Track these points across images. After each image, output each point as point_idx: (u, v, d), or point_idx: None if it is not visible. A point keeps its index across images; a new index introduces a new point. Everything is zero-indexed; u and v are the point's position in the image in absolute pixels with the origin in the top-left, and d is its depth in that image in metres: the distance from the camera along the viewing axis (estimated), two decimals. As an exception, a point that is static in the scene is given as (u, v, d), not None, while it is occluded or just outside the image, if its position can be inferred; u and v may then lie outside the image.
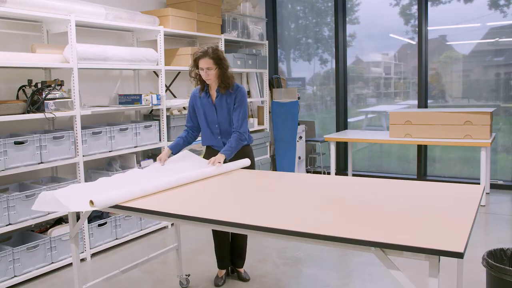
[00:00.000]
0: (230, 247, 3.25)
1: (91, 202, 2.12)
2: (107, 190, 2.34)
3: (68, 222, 3.06)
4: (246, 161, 3.09)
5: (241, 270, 3.28)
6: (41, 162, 3.35)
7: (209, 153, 3.15)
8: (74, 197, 2.28)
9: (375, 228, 1.75)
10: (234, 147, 3.01)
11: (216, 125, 3.10)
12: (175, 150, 3.14)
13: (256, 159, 5.81)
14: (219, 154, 2.95)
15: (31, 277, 3.26)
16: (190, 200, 2.29)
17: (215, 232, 3.20)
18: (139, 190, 2.32)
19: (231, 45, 5.73)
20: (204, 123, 3.14)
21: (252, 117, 6.27)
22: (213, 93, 3.10)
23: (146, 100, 4.17)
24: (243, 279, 3.23)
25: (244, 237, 3.25)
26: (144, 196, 2.33)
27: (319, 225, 1.81)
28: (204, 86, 3.11)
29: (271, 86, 6.36)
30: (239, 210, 2.08)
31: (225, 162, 2.98)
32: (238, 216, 1.96)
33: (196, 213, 2.02)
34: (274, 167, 6.24)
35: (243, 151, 3.12)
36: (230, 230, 2.12)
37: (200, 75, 3.03)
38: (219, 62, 2.98)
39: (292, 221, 1.88)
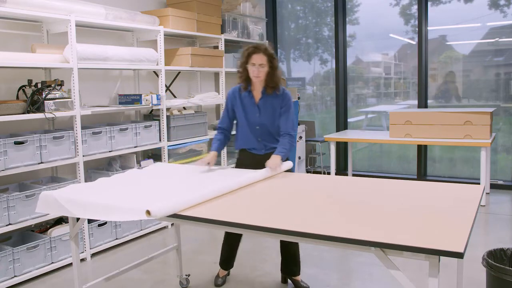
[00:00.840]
0: (283, 255, 3.07)
1: (148, 212, 1.96)
2: (139, 196, 2.26)
3: (68, 222, 3.06)
4: (289, 164, 2.95)
5: (298, 278, 3.07)
6: (41, 162, 3.35)
7: (245, 157, 3.02)
8: (79, 201, 2.24)
9: (375, 228, 1.75)
10: (288, 149, 2.88)
11: (257, 127, 2.94)
12: (220, 152, 3.03)
13: (256, 159, 5.82)
14: (274, 156, 2.80)
15: (31, 277, 3.26)
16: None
17: (227, 233, 3.11)
18: (196, 198, 2.17)
19: (231, 45, 5.73)
20: (244, 124, 2.97)
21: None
22: (257, 93, 2.94)
23: (146, 100, 4.17)
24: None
25: (295, 242, 2.99)
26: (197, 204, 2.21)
27: (319, 225, 1.81)
28: (247, 85, 2.94)
29: (271, 86, 6.35)
30: (239, 210, 2.08)
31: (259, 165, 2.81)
32: (238, 216, 1.96)
33: (196, 214, 2.02)
34: (274, 167, 6.23)
35: None
36: (230, 230, 2.12)
37: (247, 72, 2.87)
38: (272, 60, 2.84)
39: (292, 221, 1.88)
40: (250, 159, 2.97)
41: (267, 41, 6.20)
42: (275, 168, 2.75)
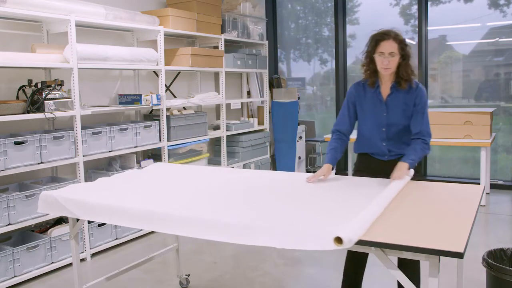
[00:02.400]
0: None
1: (338, 239, 1.59)
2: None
3: (68, 222, 3.06)
4: (411, 173, 2.47)
5: None
6: (41, 162, 3.35)
7: (365, 162, 2.64)
8: (90, 203, 2.20)
9: (375, 228, 1.75)
10: (419, 157, 2.45)
11: (384, 128, 2.52)
12: (335, 164, 2.59)
13: (256, 159, 5.83)
14: (401, 164, 2.38)
15: (31, 277, 3.26)
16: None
17: (351, 261, 2.63)
18: (375, 213, 1.86)
19: (231, 45, 5.73)
20: (368, 125, 2.56)
21: (252, 117, 6.27)
22: (385, 89, 2.51)
23: (146, 100, 4.17)
24: None
25: (416, 262, 2.54)
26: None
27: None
28: (375, 80, 2.51)
29: (271, 86, 6.36)
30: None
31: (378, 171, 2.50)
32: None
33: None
34: (274, 167, 6.24)
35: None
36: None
37: (374, 64, 2.45)
38: (404, 48, 2.41)
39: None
40: (371, 165, 2.57)
41: (267, 41, 6.20)
42: (401, 178, 2.35)
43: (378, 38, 2.40)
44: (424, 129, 2.47)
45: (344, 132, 2.64)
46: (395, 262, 1.69)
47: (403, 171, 2.36)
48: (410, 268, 2.48)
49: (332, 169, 2.56)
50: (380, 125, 2.53)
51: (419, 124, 2.48)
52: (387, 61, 2.38)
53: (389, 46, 2.37)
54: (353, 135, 2.68)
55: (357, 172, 2.67)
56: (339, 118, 2.67)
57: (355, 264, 2.64)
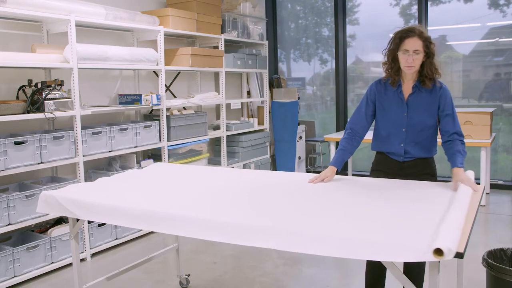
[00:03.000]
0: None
1: (439, 251, 1.44)
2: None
3: (68, 222, 3.06)
4: (472, 173, 2.42)
5: None
6: (41, 162, 3.35)
7: (382, 162, 2.60)
8: (90, 203, 2.19)
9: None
10: (464, 158, 2.40)
11: (404, 129, 2.46)
12: (340, 166, 2.56)
13: (256, 159, 5.83)
14: (457, 170, 2.33)
15: (31, 277, 3.26)
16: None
17: (372, 268, 2.59)
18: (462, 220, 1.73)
19: (231, 45, 5.73)
20: (387, 125, 2.51)
21: (252, 117, 6.27)
22: (407, 88, 2.44)
23: (146, 100, 4.17)
24: None
25: (421, 270, 2.52)
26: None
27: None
28: (398, 79, 2.45)
29: (271, 86, 6.36)
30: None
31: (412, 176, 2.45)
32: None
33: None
34: (274, 167, 6.25)
35: (429, 164, 2.52)
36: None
37: (398, 62, 2.40)
38: (429, 46, 2.33)
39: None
40: (386, 165, 2.56)
41: (267, 41, 6.20)
42: (470, 184, 2.25)
43: (402, 35, 2.34)
44: (458, 130, 2.43)
45: (358, 131, 2.59)
46: (395, 262, 1.69)
47: (469, 176, 2.30)
48: (415, 269, 2.48)
49: (337, 172, 2.53)
50: (400, 125, 2.47)
51: (452, 126, 2.43)
52: (411, 59, 2.32)
53: (413, 44, 2.31)
54: (368, 135, 2.67)
55: (374, 172, 2.65)
56: (355, 116, 2.61)
57: (375, 267, 2.59)
